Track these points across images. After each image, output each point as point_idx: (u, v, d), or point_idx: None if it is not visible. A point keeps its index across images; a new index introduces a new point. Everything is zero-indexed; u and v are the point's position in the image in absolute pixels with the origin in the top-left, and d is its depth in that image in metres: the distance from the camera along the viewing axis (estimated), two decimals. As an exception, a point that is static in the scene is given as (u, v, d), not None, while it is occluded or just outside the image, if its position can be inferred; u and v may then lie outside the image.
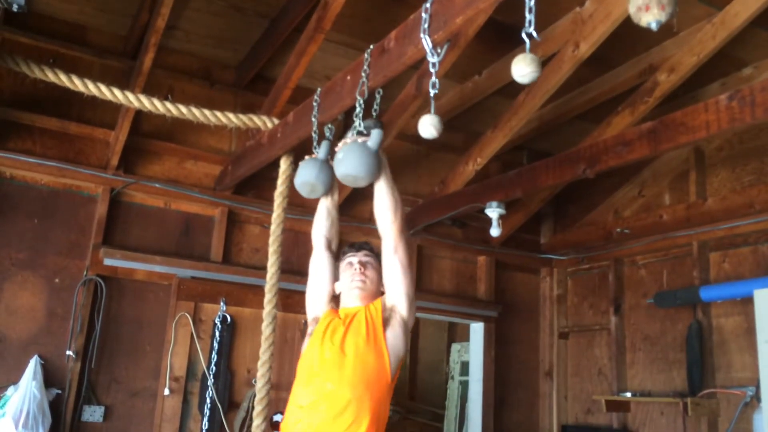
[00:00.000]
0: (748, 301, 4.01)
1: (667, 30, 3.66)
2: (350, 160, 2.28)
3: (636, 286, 4.94)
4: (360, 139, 2.33)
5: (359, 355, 2.20)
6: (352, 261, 2.44)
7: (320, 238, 2.60)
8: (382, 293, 2.38)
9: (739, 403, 4.03)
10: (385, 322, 2.27)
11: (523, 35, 1.79)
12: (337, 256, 2.57)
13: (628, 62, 4.03)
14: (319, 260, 2.55)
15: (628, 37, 3.49)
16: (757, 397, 3.89)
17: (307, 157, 2.66)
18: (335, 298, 2.50)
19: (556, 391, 5.26)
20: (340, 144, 2.39)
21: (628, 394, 4.69)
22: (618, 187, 5.12)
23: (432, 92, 2.14)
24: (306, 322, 2.52)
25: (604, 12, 3.28)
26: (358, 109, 2.44)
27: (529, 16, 1.77)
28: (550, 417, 5.23)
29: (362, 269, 2.41)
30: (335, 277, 2.51)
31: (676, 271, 4.67)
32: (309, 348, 2.34)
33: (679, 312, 4.55)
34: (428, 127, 2.15)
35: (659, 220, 4.56)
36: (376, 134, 2.31)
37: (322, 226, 2.62)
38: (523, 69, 1.80)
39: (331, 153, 2.53)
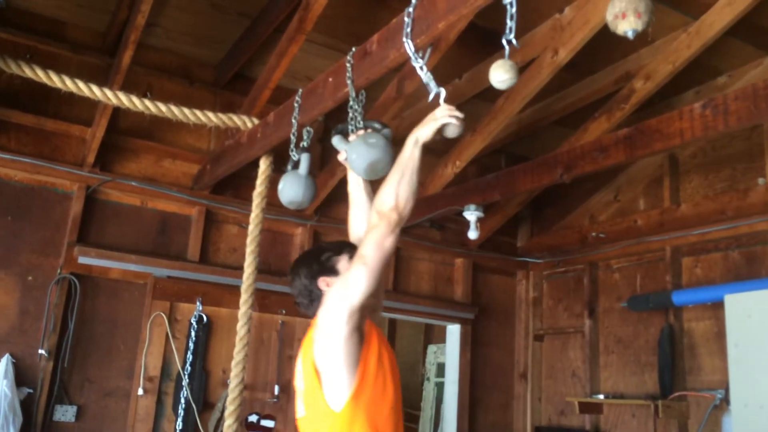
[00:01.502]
0: (718, 306, 4.09)
1: (643, 38, 3.72)
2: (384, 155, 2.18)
3: (610, 290, 5.01)
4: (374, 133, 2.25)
5: None
6: None
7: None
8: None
9: (708, 405, 4.11)
10: None
11: (503, 42, 1.81)
12: None
13: (606, 69, 4.08)
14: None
15: (605, 44, 3.54)
16: (726, 399, 3.96)
17: (288, 170, 2.69)
18: None
19: (531, 392, 5.30)
20: (353, 137, 2.27)
21: (601, 396, 4.75)
22: (594, 192, 5.19)
23: (440, 91, 2.01)
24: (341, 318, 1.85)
25: (583, 19, 3.33)
26: (357, 107, 2.37)
27: (510, 23, 1.80)
28: (524, 418, 5.28)
29: None
30: None
31: (649, 275, 4.74)
32: (386, 358, 1.96)
33: (652, 316, 4.62)
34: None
35: (634, 225, 4.63)
36: (388, 132, 2.27)
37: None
38: (501, 75, 1.83)
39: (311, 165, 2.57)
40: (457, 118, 1.86)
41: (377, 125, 2.30)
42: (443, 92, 1.99)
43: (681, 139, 2.85)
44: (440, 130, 1.89)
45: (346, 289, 1.81)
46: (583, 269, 5.16)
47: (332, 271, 2.05)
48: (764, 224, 4.03)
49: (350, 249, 2.10)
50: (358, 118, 2.33)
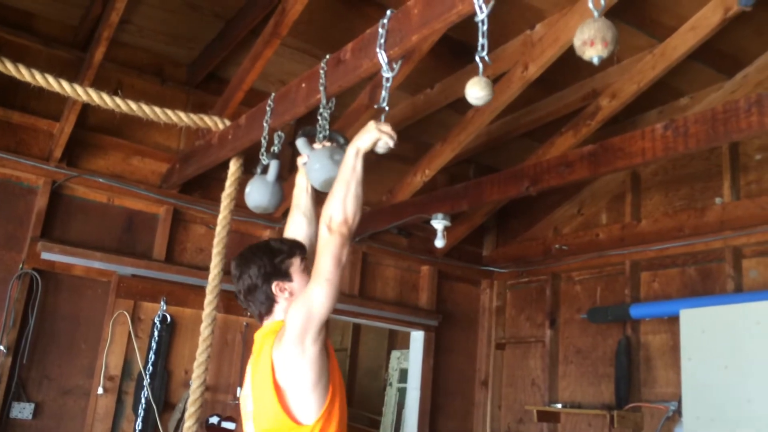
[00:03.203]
0: (674, 320, 4.20)
1: (610, 58, 3.84)
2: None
3: (571, 301, 5.11)
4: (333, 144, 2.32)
5: None
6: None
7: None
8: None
9: (661, 417, 4.22)
10: None
11: (477, 59, 1.86)
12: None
13: (573, 86, 4.18)
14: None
15: (573, 62, 3.58)
16: (678, 411, 4.08)
17: (257, 174, 2.72)
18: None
19: (491, 400, 5.38)
20: (318, 145, 2.32)
21: (559, 406, 4.84)
22: (558, 205, 5.29)
23: (385, 106, 2.18)
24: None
25: (553, 36, 3.41)
26: (326, 115, 2.42)
27: (482, 40, 1.84)
28: (483, 426, 5.35)
29: None
30: None
31: (609, 288, 4.86)
32: (338, 374, 1.99)
33: (610, 328, 4.73)
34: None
35: (595, 238, 4.74)
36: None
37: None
38: (477, 92, 1.88)
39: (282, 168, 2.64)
40: (390, 136, 1.96)
41: (341, 140, 2.34)
42: (386, 111, 2.15)
43: (643, 158, 2.94)
44: (374, 144, 1.97)
45: (312, 307, 1.80)
46: (545, 280, 5.25)
47: (286, 276, 2.03)
48: (719, 242, 4.17)
49: (301, 251, 2.11)
50: (326, 127, 2.37)
